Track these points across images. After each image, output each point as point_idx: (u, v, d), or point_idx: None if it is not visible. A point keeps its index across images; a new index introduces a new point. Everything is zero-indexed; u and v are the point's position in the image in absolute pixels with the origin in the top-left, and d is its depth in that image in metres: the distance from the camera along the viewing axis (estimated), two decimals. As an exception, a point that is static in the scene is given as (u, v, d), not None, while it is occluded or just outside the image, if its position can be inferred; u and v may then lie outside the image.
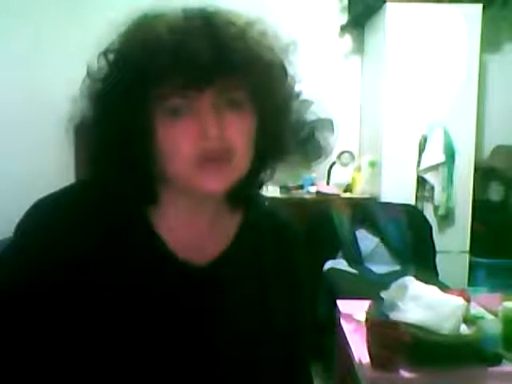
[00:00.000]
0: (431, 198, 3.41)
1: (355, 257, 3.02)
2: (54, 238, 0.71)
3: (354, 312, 1.96)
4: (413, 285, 1.78)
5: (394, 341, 1.53)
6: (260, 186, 0.81)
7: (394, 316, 1.68)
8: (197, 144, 0.66)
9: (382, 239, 3.08)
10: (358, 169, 3.69)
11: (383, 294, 1.78)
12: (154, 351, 0.72)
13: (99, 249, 0.71)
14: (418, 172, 3.41)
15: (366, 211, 3.22)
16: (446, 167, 3.33)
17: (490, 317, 1.92)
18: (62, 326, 0.70)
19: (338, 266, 2.95)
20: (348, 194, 3.63)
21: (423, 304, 1.69)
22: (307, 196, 3.56)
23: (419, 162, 3.39)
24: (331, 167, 3.82)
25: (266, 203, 0.88)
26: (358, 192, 3.60)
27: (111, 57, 0.69)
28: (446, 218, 3.41)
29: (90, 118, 0.70)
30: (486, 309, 2.00)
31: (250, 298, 0.79)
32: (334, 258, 3.03)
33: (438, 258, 3.15)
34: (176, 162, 0.68)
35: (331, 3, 3.88)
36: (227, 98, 0.68)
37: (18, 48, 3.73)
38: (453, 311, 1.66)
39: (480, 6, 3.36)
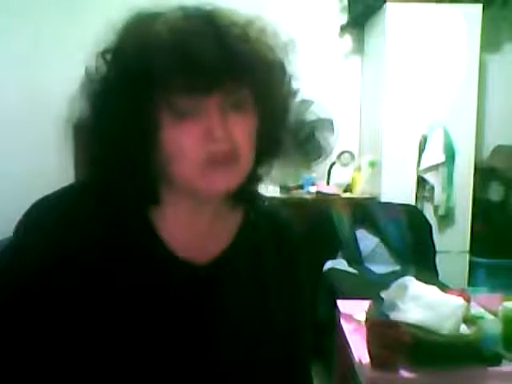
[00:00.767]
0: (431, 198, 3.41)
1: (355, 257, 3.02)
2: (53, 238, 0.71)
3: (353, 312, 1.96)
4: (413, 285, 1.78)
5: (394, 341, 1.53)
6: (258, 182, 0.81)
7: (394, 316, 1.68)
8: (203, 146, 0.66)
9: (382, 239, 3.08)
10: (358, 169, 3.69)
11: (383, 294, 1.78)
12: (154, 350, 0.71)
13: (99, 249, 0.71)
14: (418, 172, 3.41)
15: (366, 211, 3.22)
16: (445, 167, 3.33)
17: (490, 317, 1.92)
18: (62, 326, 0.70)
19: (338, 266, 2.95)
20: (348, 194, 3.63)
21: (423, 304, 1.69)
22: (307, 196, 3.56)
23: (419, 162, 3.39)
24: (331, 167, 3.82)
25: (266, 203, 0.88)
26: (358, 192, 3.60)
27: (109, 56, 0.68)
28: (446, 217, 3.41)
29: (88, 118, 0.70)
30: (486, 309, 2.00)
31: (250, 297, 0.79)
32: (334, 258, 3.03)
33: (438, 258, 3.15)
34: (182, 163, 0.67)
35: (331, 3, 3.88)
36: (232, 100, 0.68)
37: (17, 48, 3.73)
38: (453, 311, 1.66)
39: (480, 6, 3.36)
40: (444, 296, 1.75)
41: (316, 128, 3.49)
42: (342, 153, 3.85)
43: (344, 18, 3.86)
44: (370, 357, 1.58)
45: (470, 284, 3.35)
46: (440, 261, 3.14)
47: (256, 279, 0.80)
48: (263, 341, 0.78)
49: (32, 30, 3.73)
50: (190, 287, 0.75)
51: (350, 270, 2.93)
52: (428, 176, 3.38)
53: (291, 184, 3.60)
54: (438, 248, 3.18)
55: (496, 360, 1.63)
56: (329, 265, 2.96)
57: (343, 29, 3.90)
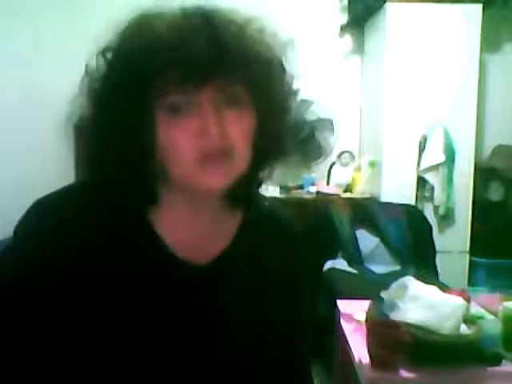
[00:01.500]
0: (431, 198, 3.41)
1: (355, 257, 3.02)
2: (53, 238, 0.71)
3: (353, 312, 1.96)
4: (413, 285, 1.78)
5: (394, 341, 1.53)
6: (259, 185, 0.81)
7: (394, 316, 1.68)
8: (197, 141, 0.66)
9: (382, 239, 3.08)
10: (358, 169, 3.69)
11: (383, 294, 1.78)
12: (154, 350, 0.72)
13: (99, 249, 0.71)
14: (418, 172, 3.41)
15: (366, 211, 3.22)
16: (445, 167, 3.33)
17: (490, 317, 1.92)
18: (62, 327, 0.70)
19: (338, 266, 2.95)
20: (348, 194, 3.63)
21: (423, 304, 1.69)
22: (307, 196, 3.56)
23: (419, 162, 3.39)
24: (331, 167, 3.82)
25: (266, 203, 0.88)
26: (358, 192, 3.61)
27: (109, 56, 0.69)
28: (446, 217, 3.41)
29: (89, 117, 0.70)
30: (485, 309, 2.00)
31: (250, 297, 0.79)
32: (334, 258, 3.03)
33: (438, 258, 3.15)
34: (176, 159, 0.68)
35: (331, 3, 3.88)
36: (226, 96, 0.68)
37: (17, 48, 3.73)
38: (453, 311, 1.66)
39: (480, 6, 3.36)
40: (444, 296, 1.75)
41: (316, 128, 3.49)
42: (342, 153, 3.85)
43: (344, 18, 3.86)
44: (370, 357, 1.58)
45: (470, 284, 3.35)
46: (440, 261, 3.14)
47: (256, 279, 0.80)
48: (263, 341, 0.78)
49: (32, 29, 3.73)
50: (189, 287, 0.75)
51: (350, 270, 2.93)
52: (428, 176, 3.38)
53: (291, 184, 3.60)
54: (438, 248, 3.17)
55: (496, 360, 1.63)
56: (329, 265, 2.96)
57: (343, 29, 3.90)
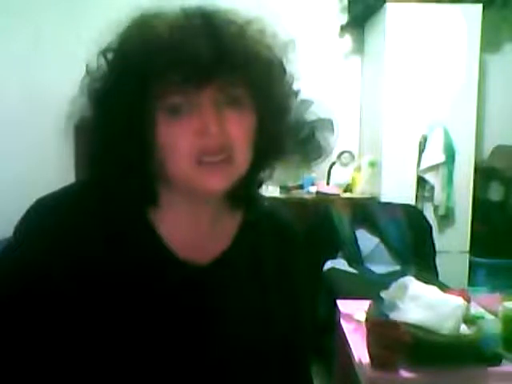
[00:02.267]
0: (431, 198, 3.41)
1: (355, 257, 3.02)
2: (53, 238, 0.71)
3: (354, 312, 1.96)
4: (413, 285, 1.78)
5: (394, 341, 1.53)
6: (259, 186, 0.81)
7: (394, 316, 1.68)
8: (197, 140, 0.66)
9: (382, 239, 3.08)
10: (358, 169, 3.69)
11: (383, 294, 1.78)
12: (154, 350, 0.71)
13: (99, 249, 0.71)
14: (418, 172, 3.41)
15: (366, 211, 3.22)
16: (445, 167, 3.33)
17: (490, 317, 1.92)
18: (63, 327, 0.70)
19: (338, 266, 2.95)
20: (348, 194, 3.63)
21: (423, 304, 1.69)
22: (307, 196, 3.56)
23: (419, 162, 3.39)
24: (331, 167, 3.82)
25: (266, 203, 0.88)
26: (358, 192, 3.61)
27: (110, 56, 0.69)
28: (446, 217, 3.42)
29: (89, 117, 0.70)
30: (485, 309, 2.00)
31: (251, 297, 0.79)
32: (334, 258, 3.03)
33: (438, 258, 3.15)
34: (176, 160, 0.68)
35: (331, 3, 3.88)
36: (227, 96, 0.68)
37: (17, 48, 3.73)
38: (453, 311, 1.66)
39: (480, 6, 3.36)
40: (444, 296, 1.75)
41: (316, 128, 3.47)
42: (342, 153, 3.85)
43: (344, 18, 3.86)
44: (370, 357, 1.58)
45: (470, 284, 3.35)
46: (440, 261, 3.14)
47: (256, 279, 0.80)
48: (263, 341, 0.78)
49: (32, 30, 3.73)
50: (189, 287, 0.75)
51: (350, 270, 2.93)
52: (428, 176, 3.38)
53: (291, 184, 3.59)
54: (438, 248, 3.17)
55: (496, 360, 1.63)
56: (329, 265, 2.96)
57: (343, 29, 3.90)
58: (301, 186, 3.63)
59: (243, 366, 0.77)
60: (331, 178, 3.81)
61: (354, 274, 2.90)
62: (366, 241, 3.08)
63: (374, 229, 3.12)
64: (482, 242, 3.46)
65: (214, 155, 0.67)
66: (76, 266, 0.70)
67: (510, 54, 3.91)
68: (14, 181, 3.66)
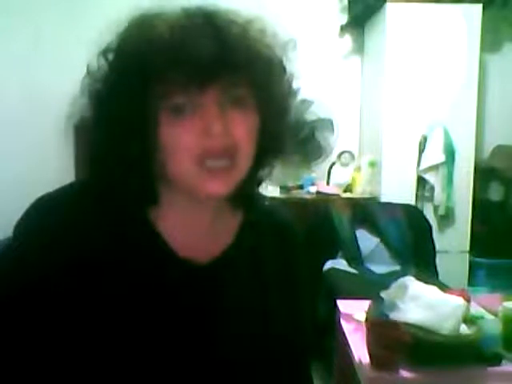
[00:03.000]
0: (431, 198, 3.41)
1: (355, 257, 3.02)
2: (53, 238, 0.71)
3: (354, 312, 1.96)
4: (413, 285, 1.78)
5: (394, 341, 1.53)
6: (259, 184, 0.81)
7: (394, 316, 1.68)
8: (200, 141, 0.66)
9: (382, 239, 3.08)
10: (358, 169, 3.69)
11: (383, 294, 1.78)
12: (154, 350, 0.71)
13: (99, 249, 0.71)
14: (418, 172, 3.41)
15: (366, 211, 3.22)
16: (445, 167, 3.33)
17: (490, 317, 1.92)
18: (63, 326, 0.70)
19: (338, 266, 2.95)
20: (348, 194, 3.63)
21: (423, 304, 1.69)
22: (307, 196, 3.56)
23: (419, 162, 3.39)
24: (331, 167, 3.82)
25: (267, 203, 0.88)
26: (358, 192, 3.61)
27: (111, 56, 0.69)
28: (446, 217, 3.42)
29: (90, 117, 0.70)
30: (485, 309, 2.00)
31: (251, 297, 0.79)
32: (334, 258, 3.03)
33: (438, 258, 3.15)
34: (178, 160, 0.67)
35: (331, 3, 3.88)
36: (230, 96, 0.68)
37: (17, 48, 3.73)
38: (453, 311, 1.66)
39: (480, 6, 3.36)
40: (444, 296, 1.75)
41: (316, 128, 3.47)
42: (342, 153, 3.85)
43: (344, 18, 3.86)
44: (370, 357, 1.58)
45: (469, 284, 3.35)
46: (440, 261, 3.14)
47: (256, 279, 0.80)
48: (263, 341, 0.78)
49: (32, 30, 3.73)
50: (190, 287, 0.75)
51: (350, 270, 2.93)
52: (428, 176, 3.38)
53: (291, 184, 3.59)
54: (438, 248, 3.17)
55: (496, 360, 1.63)
56: (329, 265, 2.96)
57: (343, 29, 3.90)
58: (301, 186, 3.63)
59: (243, 366, 0.77)
60: (331, 177, 3.81)
61: (354, 274, 2.90)
62: (366, 241, 3.08)
63: (374, 229, 3.11)
64: (482, 242, 3.46)
65: (217, 156, 0.67)
66: (76, 265, 0.70)
67: (510, 53, 3.91)
68: (14, 181, 3.66)
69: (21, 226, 0.73)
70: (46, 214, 0.72)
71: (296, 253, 0.87)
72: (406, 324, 1.60)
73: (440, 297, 1.75)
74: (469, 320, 1.71)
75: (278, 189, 3.48)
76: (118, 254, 0.72)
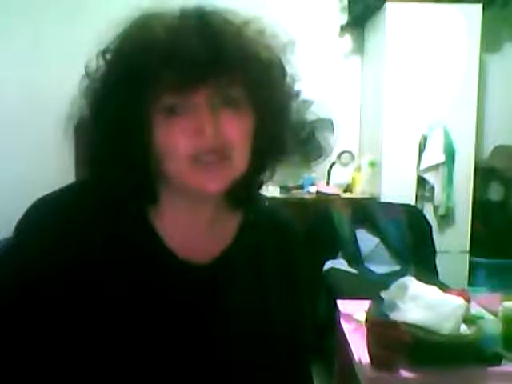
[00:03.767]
0: (431, 198, 3.41)
1: (355, 257, 3.02)
2: (53, 238, 0.71)
3: (354, 312, 1.96)
4: (413, 285, 1.78)
5: (394, 341, 1.53)
6: (260, 187, 0.81)
7: (394, 316, 1.68)
8: (193, 141, 0.66)
9: (382, 239, 3.08)
10: (358, 169, 3.69)
11: (383, 294, 1.78)
12: (154, 350, 0.71)
13: (99, 249, 0.71)
14: (418, 172, 3.41)
15: (366, 211, 3.22)
16: (445, 167, 3.33)
17: (490, 317, 1.92)
18: (63, 327, 0.70)
19: (338, 266, 2.95)
20: (348, 194, 3.63)
21: (423, 304, 1.69)
22: (307, 196, 3.56)
23: (419, 162, 3.39)
24: (331, 167, 3.82)
25: (266, 203, 0.88)
26: (358, 192, 3.61)
27: (109, 56, 0.69)
28: (446, 217, 3.42)
29: (89, 117, 0.70)
30: (486, 309, 2.00)
31: (251, 297, 0.79)
32: (334, 258, 3.03)
33: (438, 258, 3.15)
34: (173, 160, 0.68)
35: (331, 3, 3.88)
36: (224, 96, 0.68)
37: (17, 48, 3.73)
38: (453, 311, 1.66)
39: (480, 6, 3.36)
40: (444, 296, 1.75)
41: (316, 128, 3.47)
42: (342, 153, 3.85)
43: (344, 18, 3.86)
44: (370, 357, 1.58)
45: (469, 284, 3.35)
46: (440, 261, 3.14)
47: (256, 279, 0.80)
48: (263, 341, 0.78)
49: (32, 30, 3.73)
50: (189, 287, 0.75)
51: (350, 270, 2.93)
52: (428, 176, 3.38)
53: (291, 184, 3.60)
54: (438, 248, 3.17)
55: (496, 360, 1.63)
56: (329, 265, 2.96)
57: (343, 29, 3.90)
58: (301, 186, 3.63)
59: (244, 366, 0.77)
60: (331, 177, 3.81)
61: (354, 274, 2.90)
62: (366, 241, 3.08)
63: (374, 229, 3.12)
64: (482, 242, 3.45)
65: (210, 155, 0.67)
66: (76, 266, 0.70)
67: (510, 54, 3.91)
68: (14, 181, 3.66)
69: (21, 226, 0.73)
70: (46, 214, 0.73)
71: (296, 253, 0.87)
72: (406, 324, 1.60)
73: (440, 297, 1.75)
74: (469, 320, 1.71)
75: (278, 189, 3.48)
76: (118, 254, 0.72)
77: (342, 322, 1.99)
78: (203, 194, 0.71)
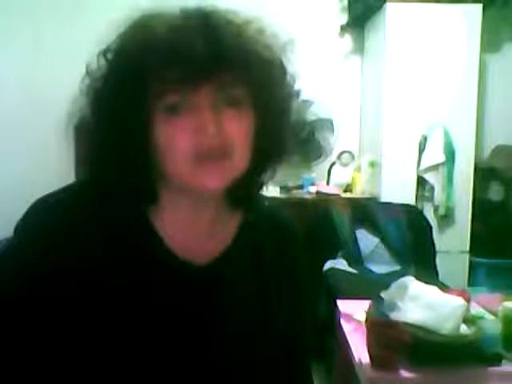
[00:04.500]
0: (431, 198, 3.41)
1: (355, 257, 3.02)
2: (53, 238, 0.71)
3: (354, 312, 1.96)
4: (413, 285, 1.78)
5: (394, 341, 1.53)
6: (260, 187, 0.81)
7: (394, 316, 1.68)
8: (195, 140, 0.66)
9: (382, 239, 3.08)
10: (358, 169, 3.69)
11: (383, 294, 1.78)
12: (154, 351, 0.72)
13: (99, 249, 0.71)
14: (418, 172, 3.41)
15: (366, 211, 3.22)
16: (445, 167, 3.33)
17: (490, 317, 1.92)
18: (63, 327, 0.70)
19: (338, 266, 2.95)
20: (348, 194, 3.63)
21: (423, 304, 1.69)
22: (307, 196, 3.56)
23: (419, 162, 3.39)
24: (331, 167, 3.82)
25: (266, 203, 0.88)
26: (358, 192, 3.61)
27: (110, 56, 0.69)
28: (446, 217, 3.42)
29: (89, 117, 0.70)
30: (485, 309, 2.00)
31: (251, 297, 0.79)
32: (334, 258, 3.03)
33: (438, 258, 3.15)
34: (174, 158, 0.68)
35: (331, 3, 3.88)
36: (225, 96, 0.68)
37: (17, 48, 3.73)
38: (453, 311, 1.66)
39: (480, 6, 3.36)
40: (444, 296, 1.75)
41: (316, 128, 3.49)
42: (342, 153, 3.85)
43: (344, 18, 3.86)
44: (370, 357, 1.58)
45: (469, 284, 3.35)
46: (440, 261, 3.14)
47: (256, 279, 0.80)
48: (263, 341, 0.78)
49: (32, 30, 3.73)
50: (189, 288, 0.75)
51: (350, 270, 2.93)
52: (428, 176, 3.38)
53: (291, 184, 3.60)
54: (438, 248, 3.17)
55: (496, 360, 1.63)
56: (329, 265, 2.96)
57: (343, 29, 3.90)
58: (301, 186, 3.63)
59: (244, 366, 0.77)
60: (331, 177, 3.81)
61: (354, 273, 2.90)
62: (366, 241, 3.08)
63: (374, 229, 3.11)
64: (481, 242, 3.45)
65: (211, 154, 0.67)
66: (76, 266, 0.70)
67: (510, 53, 3.91)
68: (14, 181, 3.66)
69: (21, 227, 0.73)
70: (46, 214, 0.73)
71: (296, 253, 0.87)
72: (406, 324, 1.61)
73: (440, 297, 1.75)
74: (469, 320, 1.71)
75: (278, 189, 3.48)
76: (118, 254, 0.72)
77: (342, 322, 1.99)
78: (204, 193, 0.71)
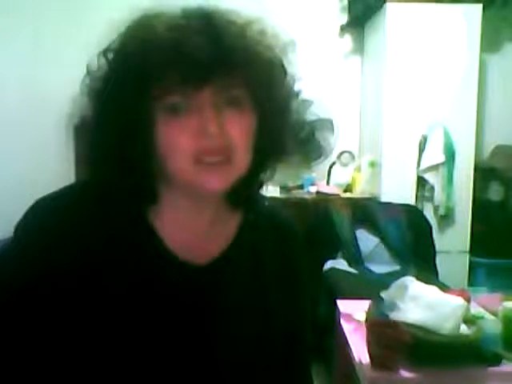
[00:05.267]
0: (431, 198, 3.41)
1: (355, 257, 3.02)
2: (53, 238, 0.71)
3: (353, 312, 1.96)
4: (413, 285, 1.78)
5: (394, 341, 1.53)
6: (260, 186, 0.81)
7: (394, 316, 1.68)
8: (196, 141, 0.66)
9: (382, 239, 3.08)
10: (358, 169, 3.69)
11: (383, 294, 1.78)
12: (154, 351, 0.72)
13: (99, 249, 0.71)
14: (418, 172, 3.41)
15: (366, 211, 3.22)
16: (445, 167, 3.33)
17: (490, 317, 1.92)
18: (62, 327, 0.70)
19: (338, 266, 2.95)
20: (348, 194, 3.63)
21: (423, 304, 1.69)
22: (307, 196, 3.56)
23: (419, 162, 3.39)
24: (331, 167, 3.82)
25: (266, 203, 0.88)
26: (358, 192, 3.60)
27: (111, 56, 0.69)
28: (446, 217, 3.42)
29: (90, 117, 0.70)
30: (486, 309, 2.00)
31: (250, 297, 0.79)
32: (334, 258, 3.03)
33: (438, 258, 3.15)
34: (175, 159, 0.68)
35: (331, 3, 3.88)
36: (227, 96, 0.68)
37: (17, 48, 3.73)
38: (453, 311, 1.66)
39: (480, 6, 3.36)
40: (444, 296, 1.75)
41: (316, 128, 3.49)
42: (342, 153, 3.85)
43: (344, 18, 3.86)
44: (370, 357, 1.58)
45: (469, 284, 3.35)
46: (440, 261, 3.14)
47: (256, 279, 0.80)
48: (263, 341, 0.78)
49: (32, 29, 3.73)
50: (189, 288, 0.75)
51: (350, 270, 2.93)
52: (428, 176, 3.38)
53: (291, 184, 3.59)
54: (438, 248, 3.18)
55: (496, 360, 1.63)
56: (329, 265, 2.96)
57: (343, 29, 3.90)
58: (301, 186, 3.63)
59: (243, 367, 0.77)
60: (331, 177, 3.81)
61: (354, 274, 2.90)
62: (366, 241, 3.08)
63: (374, 229, 3.12)
64: (482, 242, 3.46)
65: (214, 155, 0.67)
66: (76, 266, 0.70)
67: (510, 53, 3.91)
68: (14, 181, 3.66)
69: (21, 227, 0.73)
70: (46, 214, 0.73)
71: (296, 253, 0.87)
72: (406, 324, 1.61)
73: (440, 297, 1.75)
74: (469, 320, 1.71)
75: (278, 189, 3.48)
76: (118, 254, 0.72)
77: (342, 322, 1.99)
78: (205, 193, 0.71)
